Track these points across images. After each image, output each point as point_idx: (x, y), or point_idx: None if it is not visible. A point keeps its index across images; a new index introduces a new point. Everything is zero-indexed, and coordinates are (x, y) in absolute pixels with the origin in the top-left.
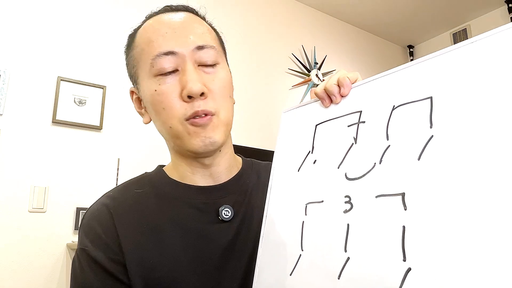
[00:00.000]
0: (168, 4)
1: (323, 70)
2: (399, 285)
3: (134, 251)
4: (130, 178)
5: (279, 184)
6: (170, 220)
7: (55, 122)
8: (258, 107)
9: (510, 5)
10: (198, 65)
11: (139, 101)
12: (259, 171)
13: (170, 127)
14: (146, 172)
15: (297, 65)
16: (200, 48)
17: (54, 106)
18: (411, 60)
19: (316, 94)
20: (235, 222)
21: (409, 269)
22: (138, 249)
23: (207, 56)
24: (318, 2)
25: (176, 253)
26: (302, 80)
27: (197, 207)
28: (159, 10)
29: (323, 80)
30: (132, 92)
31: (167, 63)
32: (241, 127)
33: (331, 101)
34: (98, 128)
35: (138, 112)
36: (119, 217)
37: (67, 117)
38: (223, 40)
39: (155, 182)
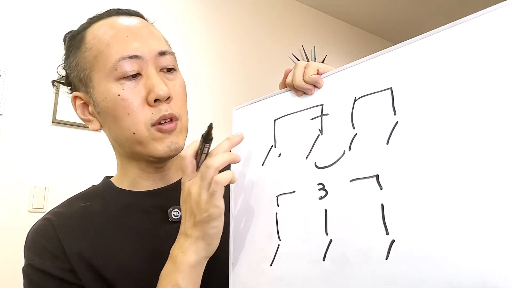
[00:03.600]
0: (116, 8)
1: None
2: (385, 256)
3: (81, 259)
4: (77, 193)
5: (242, 181)
6: (119, 226)
7: (55, 122)
8: None
9: None
10: (160, 71)
11: (84, 107)
12: None
13: (134, 133)
14: (93, 185)
15: None
16: (162, 53)
17: (54, 106)
18: None
19: (297, 87)
20: None
21: (393, 241)
22: (85, 257)
23: (168, 62)
24: (318, 2)
25: (126, 256)
26: None
27: (146, 210)
28: (107, 12)
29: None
30: (75, 98)
31: (131, 67)
32: None
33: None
34: None
35: (82, 119)
36: (62, 229)
37: (67, 117)
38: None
39: (102, 194)
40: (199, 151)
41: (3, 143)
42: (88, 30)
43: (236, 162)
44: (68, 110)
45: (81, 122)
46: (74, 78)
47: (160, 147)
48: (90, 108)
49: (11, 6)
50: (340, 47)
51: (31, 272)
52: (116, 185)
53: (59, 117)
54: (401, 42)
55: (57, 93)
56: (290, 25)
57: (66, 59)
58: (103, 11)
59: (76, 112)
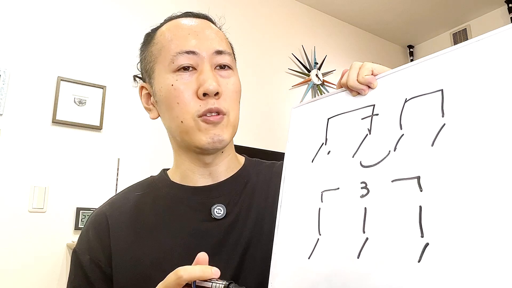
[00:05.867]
0: (188, 11)
1: (323, 70)
2: (418, 259)
3: (126, 251)
4: (138, 181)
5: (293, 175)
6: (164, 219)
7: (55, 122)
8: (258, 107)
9: (510, 5)
10: (215, 68)
11: (148, 96)
12: (260, 171)
13: (182, 122)
14: (151, 176)
15: (297, 65)
16: (218, 52)
17: (54, 106)
18: (411, 60)
19: (351, 87)
20: (227, 221)
21: (427, 244)
22: (130, 248)
23: (223, 61)
24: (318, 2)
25: (167, 251)
26: (302, 80)
27: (191, 206)
28: (180, 14)
29: (321, 77)
30: (142, 88)
31: (187, 61)
32: (240, 127)
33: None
34: (98, 128)
35: (145, 107)
36: (114, 220)
37: (67, 117)
38: (234, 52)
39: (156, 184)
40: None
41: (3, 143)
42: (159, 29)
43: None
44: (68, 110)
45: (81, 122)
46: (142, 70)
47: (204, 138)
48: (152, 98)
49: (12, 6)
50: (340, 47)
51: (73, 259)
52: (170, 178)
53: (59, 117)
54: (401, 42)
55: (135, 87)
56: (290, 25)
57: (140, 54)
58: (177, 14)
59: (141, 101)
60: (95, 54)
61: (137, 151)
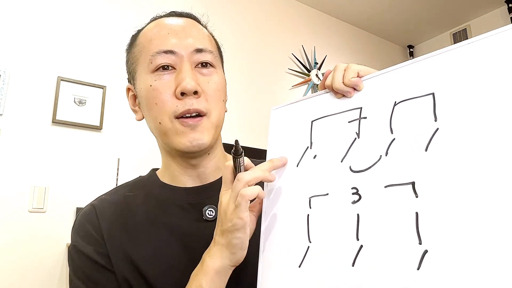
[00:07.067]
0: (173, 10)
1: (323, 70)
2: (417, 267)
3: (118, 248)
4: (125, 181)
5: (275, 181)
6: (156, 220)
7: (55, 122)
8: (258, 107)
9: (510, 5)
10: (195, 67)
11: (134, 98)
12: None
13: (160, 123)
14: (140, 176)
15: (297, 65)
16: (198, 50)
17: (54, 106)
18: None
19: (336, 89)
20: None
21: (426, 251)
22: (121, 246)
23: (204, 59)
24: (318, 2)
25: (160, 251)
26: (302, 80)
27: (183, 207)
28: (164, 14)
29: (321, 77)
30: (128, 89)
31: (165, 61)
32: (241, 127)
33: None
34: (98, 128)
35: (132, 109)
36: (103, 216)
37: (67, 117)
38: (221, 50)
39: (146, 185)
40: (234, 165)
41: (3, 143)
42: (142, 30)
43: (269, 181)
44: (68, 110)
45: (81, 122)
46: (127, 72)
47: (182, 141)
48: (137, 99)
49: (12, 6)
50: (340, 47)
51: (73, 252)
52: (160, 178)
53: (59, 117)
54: (401, 42)
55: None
56: (290, 25)
57: (126, 56)
58: (162, 13)
59: (128, 103)
60: (95, 54)
61: (137, 151)
